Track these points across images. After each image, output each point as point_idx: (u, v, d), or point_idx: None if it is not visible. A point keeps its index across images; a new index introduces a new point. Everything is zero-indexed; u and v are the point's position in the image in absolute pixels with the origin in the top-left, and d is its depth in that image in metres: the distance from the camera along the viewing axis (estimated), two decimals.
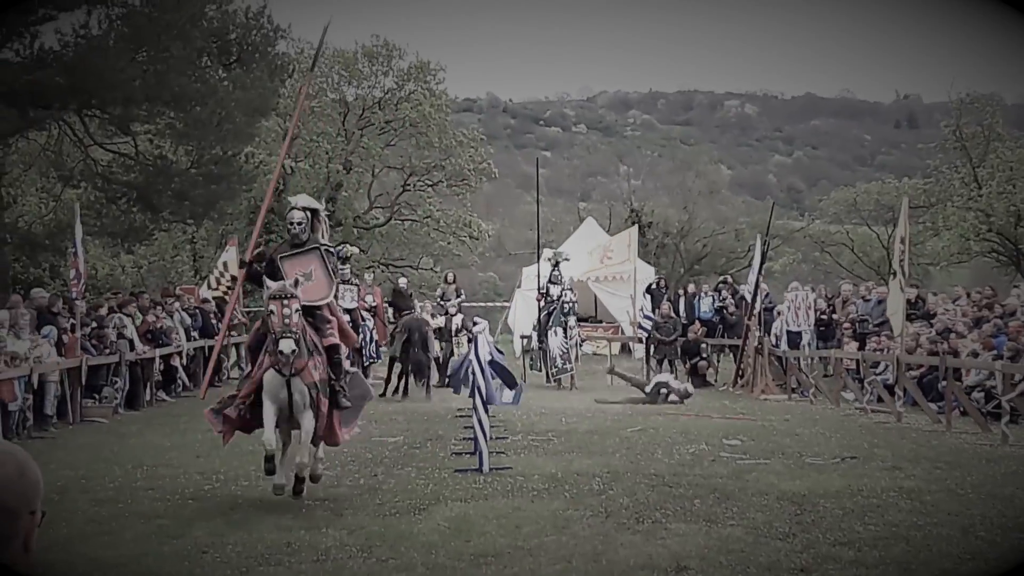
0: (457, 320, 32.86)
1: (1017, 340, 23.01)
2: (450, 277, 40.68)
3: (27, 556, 3.46)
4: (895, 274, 25.00)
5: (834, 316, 31.71)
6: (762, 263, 32.16)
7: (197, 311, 31.37)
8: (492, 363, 17.74)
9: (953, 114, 54.94)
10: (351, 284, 28.87)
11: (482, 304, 52.78)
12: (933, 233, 50.92)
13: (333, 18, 14.04)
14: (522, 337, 35.67)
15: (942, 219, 51.26)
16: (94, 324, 25.20)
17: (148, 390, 26.22)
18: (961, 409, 22.42)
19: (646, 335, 33.51)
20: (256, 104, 31.88)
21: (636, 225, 46.57)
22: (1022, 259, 50.52)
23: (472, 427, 17.08)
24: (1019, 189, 49.24)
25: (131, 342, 25.74)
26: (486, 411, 16.62)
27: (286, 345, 12.63)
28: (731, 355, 33.38)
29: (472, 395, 16.81)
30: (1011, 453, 17.95)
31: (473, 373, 16.95)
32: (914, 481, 14.84)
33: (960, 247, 51.01)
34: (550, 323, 30.66)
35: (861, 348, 28.42)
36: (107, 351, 24.59)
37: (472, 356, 17.29)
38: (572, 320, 30.83)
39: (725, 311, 35.19)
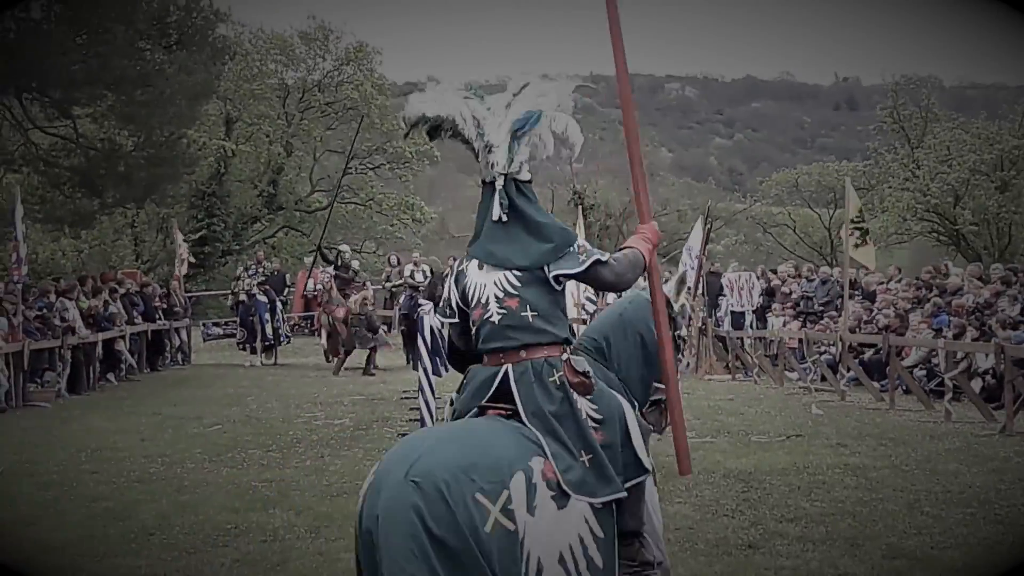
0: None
1: (960, 315, 23.27)
2: (394, 260, 40.67)
3: None
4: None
5: (773, 297, 31.95)
6: (704, 244, 32.29)
7: (139, 295, 31.17)
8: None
9: (890, 96, 55.37)
10: None
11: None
12: (873, 215, 51.27)
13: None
14: None
15: (877, 200, 51.66)
16: (43, 309, 25.05)
17: (91, 374, 26.03)
18: (904, 387, 22.61)
19: (589, 316, 33.53)
20: (198, 87, 31.77)
21: (580, 207, 46.65)
22: (961, 239, 50.96)
23: (418, 408, 17.07)
24: (954, 169, 49.69)
25: (71, 327, 25.52)
26: (432, 393, 16.61)
27: None
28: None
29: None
30: (954, 430, 18.07)
31: (420, 354, 16.95)
32: (859, 458, 14.94)
33: (898, 227, 51.40)
34: None
35: (803, 328, 28.60)
36: (50, 335, 24.41)
37: (419, 338, 17.30)
38: None
39: None
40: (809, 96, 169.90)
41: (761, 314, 31.32)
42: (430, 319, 17.66)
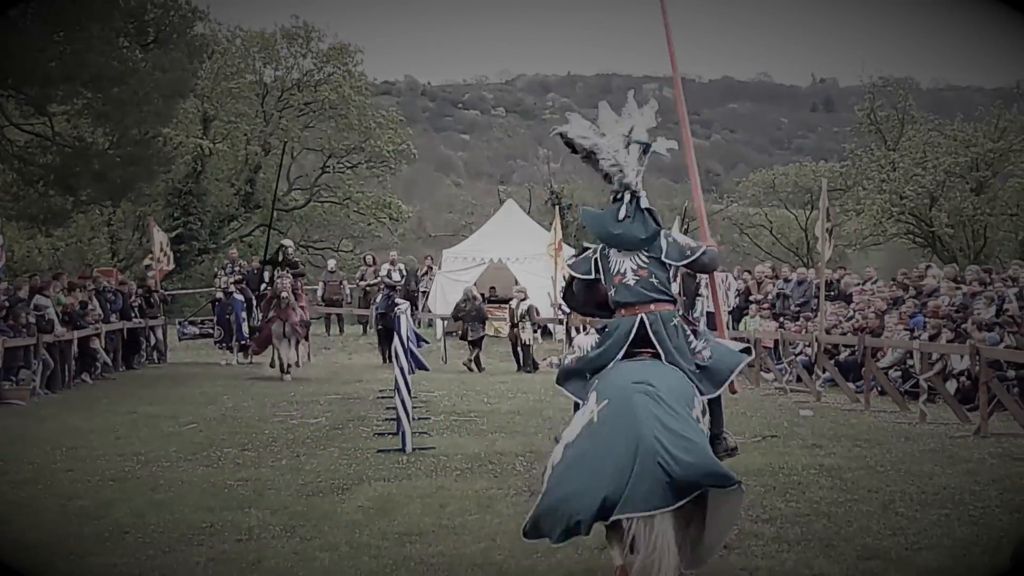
0: None
1: (936, 317, 23.33)
2: (369, 259, 40.61)
3: None
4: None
5: (750, 298, 32.01)
6: None
7: (116, 293, 31.09)
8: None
9: (867, 98, 55.45)
10: None
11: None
12: (849, 216, 51.24)
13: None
14: (443, 319, 35.61)
15: (852, 202, 51.74)
16: (17, 305, 24.95)
17: (66, 372, 25.95)
18: (879, 388, 22.67)
19: (566, 316, 33.57)
20: (175, 85, 31.64)
21: (557, 207, 46.73)
22: (937, 241, 51.06)
23: (394, 408, 17.07)
24: (928, 171, 49.75)
25: (52, 323, 25.43)
26: (408, 391, 16.60)
27: None
28: None
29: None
30: (929, 431, 18.15)
31: (397, 353, 16.94)
32: (834, 459, 14.96)
33: (874, 229, 51.42)
34: None
35: (779, 328, 28.66)
36: (25, 332, 24.31)
37: (395, 337, 17.30)
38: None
39: None
40: (786, 97, 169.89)
41: (738, 315, 31.39)
42: (407, 318, 17.67)
